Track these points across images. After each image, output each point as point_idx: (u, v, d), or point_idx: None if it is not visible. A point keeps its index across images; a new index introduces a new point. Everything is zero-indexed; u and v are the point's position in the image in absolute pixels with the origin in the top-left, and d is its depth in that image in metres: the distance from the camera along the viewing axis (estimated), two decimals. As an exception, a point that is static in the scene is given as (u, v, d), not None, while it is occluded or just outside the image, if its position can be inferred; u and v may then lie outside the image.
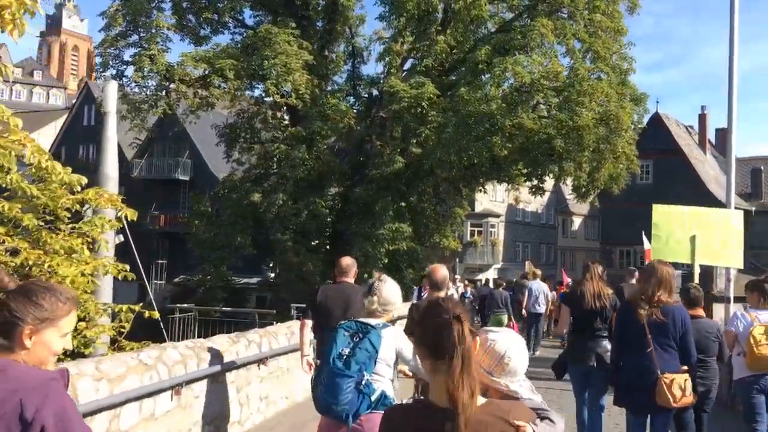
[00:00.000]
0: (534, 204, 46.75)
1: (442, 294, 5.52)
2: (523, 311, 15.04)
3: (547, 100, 17.97)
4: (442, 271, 5.74)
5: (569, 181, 21.26)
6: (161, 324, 7.98)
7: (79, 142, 42.70)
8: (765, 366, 5.55)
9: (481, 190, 26.23)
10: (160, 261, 35.05)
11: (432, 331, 1.92)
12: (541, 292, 14.94)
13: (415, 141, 21.90)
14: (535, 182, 21.56)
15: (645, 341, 4.83)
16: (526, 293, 15.01)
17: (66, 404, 1.85)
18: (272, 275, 25.35)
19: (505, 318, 14.21)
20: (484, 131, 18.08)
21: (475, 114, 18.05)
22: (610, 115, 18.15)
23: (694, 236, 7.74)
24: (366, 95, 25.59)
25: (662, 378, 4.76)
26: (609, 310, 5.91)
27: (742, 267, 8.57)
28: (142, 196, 37.83)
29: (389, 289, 4.00)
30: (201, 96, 20.72)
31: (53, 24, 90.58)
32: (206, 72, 20.36)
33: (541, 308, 14.86)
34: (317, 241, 24.19)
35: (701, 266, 8.00)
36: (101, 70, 20.69)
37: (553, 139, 18.32)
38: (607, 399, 5.94)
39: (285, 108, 22.68)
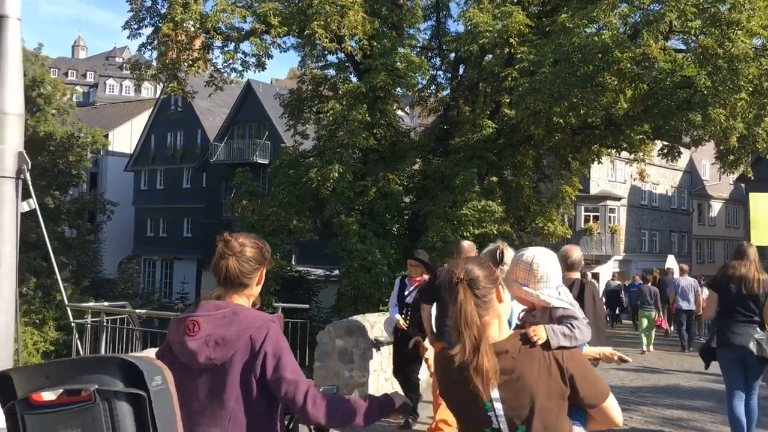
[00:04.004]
0: (663, 185, 40.25)
1: (575, 276, 5.34)
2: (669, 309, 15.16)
3: (685, 20, 12.85)
4: (576, 251, 5.46)
5: (710, 150, 15.98)
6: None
7: (167, 129, 41.57)
8: None
9: (594, 160, 21.12)
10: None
11: (444, 290, 2.12)
12: (692, 289, 14.37)
13: (507, 97, 17.38)
14: (667, 142, 16.33)
15: None
16: (674, 289, 14.54)
17: (280, 340, 2.27)
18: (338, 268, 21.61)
19: (654, 314, 14.28)
20: (593, 70, 13.29)
21: (581, 48, 13.29)
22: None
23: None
24: (453, 54, 21.27)
25: None
26: (763, 296, 5.54)
27: None
28: (221, 182, 35.83)
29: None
30: (244, 52, 17.31)
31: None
32: (249, 21, 16.91)
33: (692, 305, 14.26)
34: (397, 226, 20.25)
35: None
36: (135, 25, 17.77)
37: (693, 79, 13.24)
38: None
39: (346, 63, 18.85)
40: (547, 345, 2.12)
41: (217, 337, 2.21)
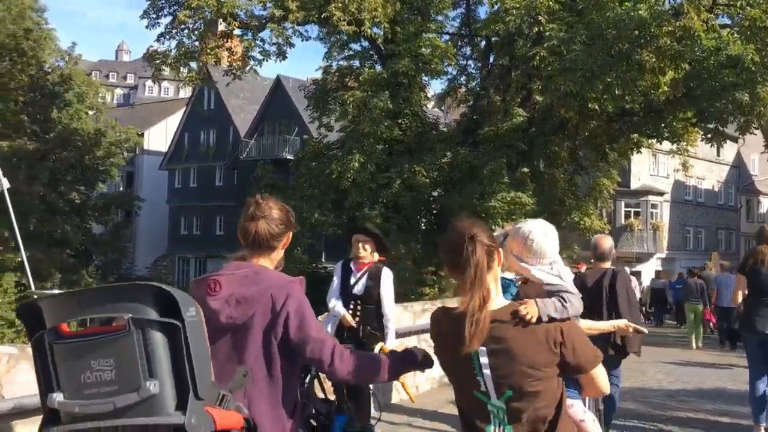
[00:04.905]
0: (709, 180, 38.51)
1: (607, 265, 5.29)
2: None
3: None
4: (607, 241, 5.44)
5: (759, 144, 14.72)
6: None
7: (200, 127, 41.55)
8: None
9: (633, 151, 19.94)
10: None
11: (450, 251, 2.13)
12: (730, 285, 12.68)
13: (538, 84, 16.42)
14: (712, 127, 15.16)
15: None
16: (716, 285, 13.84)
17: (303, 300, 2.26)
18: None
19: (700, 308, 14.15)
20: (628, 48, 12.26)
21: (616, 23, 12.28)
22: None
23: None
24: (484, 41, 20.36)
25: None
26: None
27: None
28: (251, 180, 35.47)
29: None
30: (262, 40, 16.73)
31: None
32: (268, 7, 16.32)
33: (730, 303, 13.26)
34: (424, 220, 19.45)
35: None
36: (153, 15, 17.34)
37: (740, 56, 12.11)
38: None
39: (370, 50, 18.13)
40: (538, 319, 2.13)
41: (238, 296, 2.19)
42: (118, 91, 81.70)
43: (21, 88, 25.06)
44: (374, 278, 4.85)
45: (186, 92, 62.81)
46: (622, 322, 4.08)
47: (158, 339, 1.75)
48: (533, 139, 17.81)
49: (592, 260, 5.84)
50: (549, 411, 2.13)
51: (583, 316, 5.36)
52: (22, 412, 3.29)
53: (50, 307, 1.84)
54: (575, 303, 2.40)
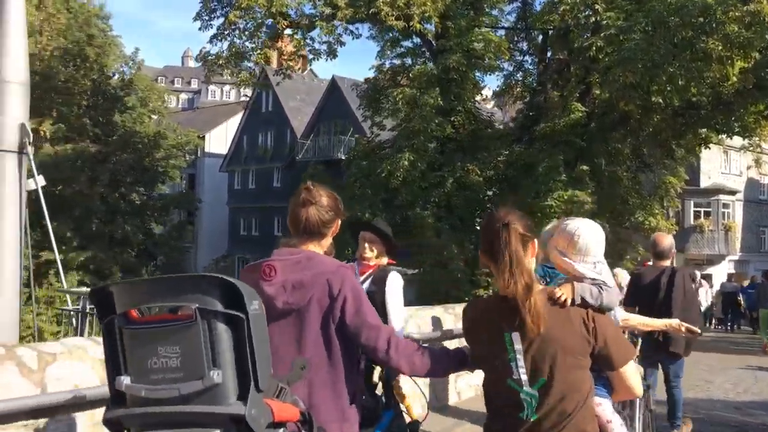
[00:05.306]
0: (786, 177, 36.34)
1: (666, 264, 5.28)
2: None
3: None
4: (667, 239, 5.38)
5: None
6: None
7: (258, 129, 42.14)
8: None
9: (701, 147, 18.86)
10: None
11: (486, 238, 2.16)
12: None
13: (597, 77, 15.69)
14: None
15: None
16: None
17: (358, 286, 2.28)
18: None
19: None
20: (692, 36, 11.49)
21: (678, 9, 11.53)
22: None
23: None
24: (540, 34, 19.70)
25: None
26: None
27: None
28: (306, 180, 35.58)
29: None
30: (312, 38, 16.63)
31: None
32: (316, 4, 16.20)
33: None
34: (478, 220, 18.96)
35: None
36: (206, 17, 17.49)
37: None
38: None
39: (422, 47, 17.77)
40: (572, 302, 2.16)
41: (293, 281, 2.20)
42: (183, 96, 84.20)
43: (84, 92, 25.85)
44: (378, 283, 4.02)
45: (246, 95, 64.14)
46: (674, 321, 4.01)
47: (222, 330, 1.78)
48: (592, 135, 17.08)
49: (651, 258, 5.70)
50: (575, 405, 2.11)
51: (639, 314, 5.07)
52: (82, 404, 3.21)
53: (121, 293, 1.88)
54: (612, 295, 2.34)
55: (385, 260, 4.05)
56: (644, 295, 5.26)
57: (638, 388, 2.26)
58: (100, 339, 3.48)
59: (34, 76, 25.06)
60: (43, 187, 7.34)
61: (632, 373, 2.23)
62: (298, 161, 35.97)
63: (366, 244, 4.03)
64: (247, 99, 52.81)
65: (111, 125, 26.38)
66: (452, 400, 7.02)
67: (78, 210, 23.91)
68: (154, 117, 30.29)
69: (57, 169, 24.00)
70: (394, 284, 3.96)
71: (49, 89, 24.96)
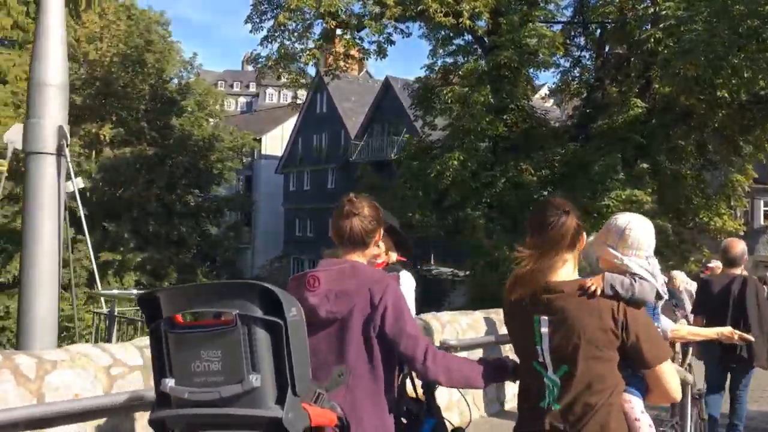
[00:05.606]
0: None
1: (738, 271, 5.04)
2: None
3: None
4: (740, 245, 5.10)
5: None
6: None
7: (313, 131, 42.42)
8: None
9: (771, 143, 17.80)
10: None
11: (539, 220, 2.18)
12: None
13: (657, 71, 14.99)
14: None
15: None
16: None
17: (400, 296, 2.28)
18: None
19: None
20: (758, 25, 10.76)
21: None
22: None
23: None
24: (598, 29, 19.02)
25: None
26: None
27: None
28: (356, 181, 35.62)
29: None
30: (361, 38, 16.47)
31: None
32: (365, 4, 16.04)
33: None
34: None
35: None
36: (256, 19, 17.57)
37: None
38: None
39: (474, 45, 17.37)
40: (602, 292, 2.14)
41: (337, 290, 2.23)
42: (242, 99, 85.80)
43: (142, 97, 26.49)
44: None
45: (301, 97, 64.81)
46: (726, 329, 3.93)
47: (262, 335, 1.85)
48: (653, 131, 16.35)
49: (721, 265, 5.54)
50: (599, 399, 2.09)
51: (708, 323, 4.80)
52: (81, 414, 3.10)
53: (167, 299, 1.97)
54: (646, 287, 2.25)
55: (394, 256, 3.73)
56: (714, 304, 5.06)
57: (676, 392, 2.19)
58: (108, 345, 3.34)
59: (95, 82, 26.12)
60: (81, 189, 7.37)
61: (669, 374, 2.16)
62: (351, 162, 36.00)
63: None
64: (300, 101, 53.50)
65: (168, 128, 26.95)
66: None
67: (136, 212, 24.49)
68: (211, 120, 30.83)
69: (116, 172, 24.67)
70: (406, 285, 3.64)
71: (109, 94, 25.70)
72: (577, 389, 2.08)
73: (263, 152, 46.60)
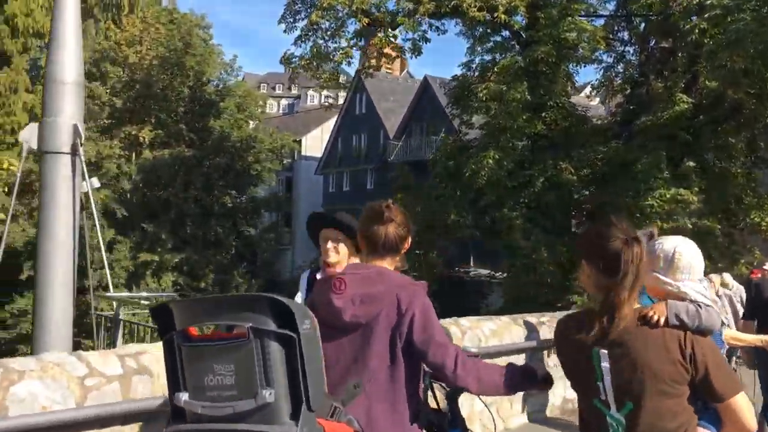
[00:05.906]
0: None
1: None
2: None
3: None
4: None
5: None
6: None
7: (352, 131, 42.41)
8: None
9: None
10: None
11: (604, 250, 2.00)
12: None
13: (705, 65, 14.30)
14: None
15: None
16: None
17: (428, 304, 2.23)
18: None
19: None
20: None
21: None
22: None
23: None
24: (642, 22, 18.33)
25: None
26: None
27: None
28: (391, 182, 35.36)
29: None
30: (394, 35, 16.19)
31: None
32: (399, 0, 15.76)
33: None
34: (575, 221, 17.91)
35: None
36: (290, 19, 17.44)
37: None
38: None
39: (511, 41, 16.90)
40: (666, 322, 2.00)
41: (362, 295, 2.20)
42: (284, 102, 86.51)
43: (181, 99, 26.76)
44: None
45: (342, 98, 64.86)
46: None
47: (275, 349, 1.81)
48: (700, 128, 15.62)
49: None
50: None
51: (759, 329, 4.52)
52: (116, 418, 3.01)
53: (180, 311, 1.94)
54: (713, 314, 2.12)
55: (353, 259, 3.05)
56: (765, 309, 4.95)
57: (751, 426, 2.04)
58: (87, 354, 3.13)
59: (135, 85, 26.50)
60: (99, 189, 7.27)
61: (745, 407, 2.01)
62: (390, 162, 35.78)
63: (330, 245, 3.09)
64: (333, 100, 53.62)
65: (206, 130, 27.17)
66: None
67: (173, 213, 24.73)
68: (251, 123, 31.00)
69: (155, 174, 24.95)
70: None
71: (148, 97, 26.03)
72: (643, 428, 1.96)
73: (303, 153, 46.76)
